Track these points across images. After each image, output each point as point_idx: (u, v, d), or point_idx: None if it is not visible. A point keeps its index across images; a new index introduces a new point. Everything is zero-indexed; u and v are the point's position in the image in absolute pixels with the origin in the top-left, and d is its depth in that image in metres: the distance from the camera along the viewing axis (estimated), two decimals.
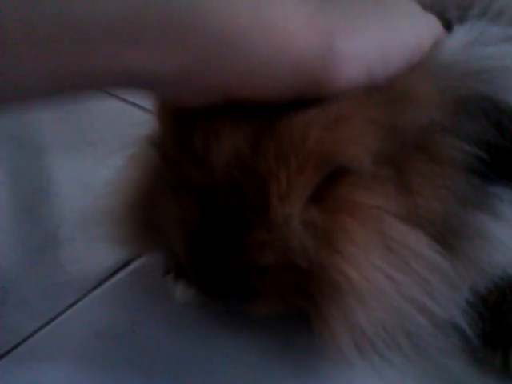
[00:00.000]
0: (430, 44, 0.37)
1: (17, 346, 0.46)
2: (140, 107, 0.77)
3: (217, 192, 0.35)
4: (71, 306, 0.49)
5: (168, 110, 0.38)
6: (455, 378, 0.41)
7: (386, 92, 0.34)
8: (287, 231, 0.34)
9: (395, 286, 0.34)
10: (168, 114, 0.38)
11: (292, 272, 0.35)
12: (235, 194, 0.34)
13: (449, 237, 0.36)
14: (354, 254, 0.34)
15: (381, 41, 0.34)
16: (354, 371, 0.40)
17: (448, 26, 0.39)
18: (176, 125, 0.37)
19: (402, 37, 0.35)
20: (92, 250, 0.49)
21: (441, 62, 0.36)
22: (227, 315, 0.46)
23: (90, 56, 0.30)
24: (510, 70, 0.35)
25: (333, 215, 0.34)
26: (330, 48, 0.32)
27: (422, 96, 0.35)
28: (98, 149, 0.69)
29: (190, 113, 0.35)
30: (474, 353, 0.41)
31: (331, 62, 0.32)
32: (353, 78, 0.33)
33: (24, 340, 0.46)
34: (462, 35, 0.37)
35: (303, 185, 0.34)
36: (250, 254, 0.35)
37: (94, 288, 0.51)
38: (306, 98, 0.33)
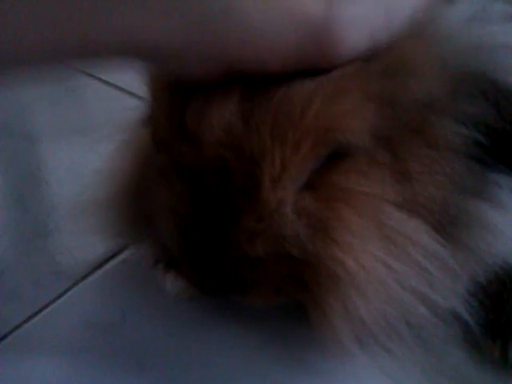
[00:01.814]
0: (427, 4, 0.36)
1: (6, 336, 0.45)
2: (131, 94, 0.76)
3: (207, 174, 0.34)
4: (61, 295, 0.49)
5: (161, 88, 0.37)
6: (456, 368, 0.40)
7: (385, 63, 0.34)
8: (279, 219, 0.33)
9: (394, 276, 0.33)
10: (161, 91, 0.37)
11: (286, 262, 0.34)
12: (225, 175, 0.33)
13: (447, 225, 0.35)
14: (351, 244, 0.33)
15: (382, 5, 0.34)
16: (352, 365, 0.40)
17: None
18: (168, 102, 0.36)
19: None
20: (82, 239, 0.48)
21: (441, 35, 0.35)
22: (220, 305, 0.46)
23: (92, 20, 0.30)
24: (509, 48, 0.35)
25: (328, 203, 0.34)
26: (332, 13, 0.31)
27: (421, 68, 0.34)
28: (89, 137, 0.68)
29: (183, 90, 0.35)
30: (476, 342, 0.41)
31: (334, 27, 0.32)
32: (356, 42, 0.33)
33: (13, 330, 0.46)
34: (464, 9, 0.36)
35: (298, 167, 0.33)
36: (240, 244, 0.34)
37: (84, 278, 0.51)
38: (310, 68, 0.33)
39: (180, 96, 0.35)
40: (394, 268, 0.33)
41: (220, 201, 0.34)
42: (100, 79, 0.83)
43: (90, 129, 0.70)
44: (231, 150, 0.33)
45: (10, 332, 0.46)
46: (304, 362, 0.42)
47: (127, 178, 0.43)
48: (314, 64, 0.33)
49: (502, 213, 0.36)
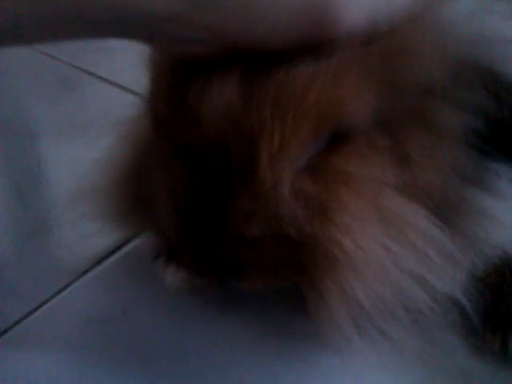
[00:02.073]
0: None
1: (6, 331, 0.45)
2: (131, 91, 0.76)
3: (206, 152, 0.33)
4: (61, 291, 0.49)
5: (161, 70, 0.37)
6: (453, 355, 0.40)
7: (385, 46, 0.34)
8: (276, 199, 0.33)
9: (393, 258, 0.33)
10: (161, 73, 0.37)
11: (283, 244, 0.34)
12: (224, 153, 0.33)
13: (447, 211, 0.35)
14: (349, 225, 0.33)
15: None
16: (349, 358, 0.40)
17: None
18: (168, 83, 0.36)
19: None
20: (82, 234, 0.48)
21: (443, 25, 0.35)
22: (221, 299, 0.46)
23: None
24: (510, 42, 0.35)
25: (327, 185, 0.33)
26: None
27: (422, 54, 0.34)
28: (89, 134, 0.68)
29: (183, 71, 0.35)
30: (475, 331, 0.40)
31: (334, 3, 0.31)
32: (356, 20, 0.32)
33: (13, 326, 0.46)
34: (466, 3, 0.36)
35: (297, 147, 0.33)
36: (237, 225, 0.34)
37: (85, 273, 0.50)
38: (309, 47, 0.32)
39: (180, 77, 0.35)
40: (392, 250, 0.33)
41: (217, 180, 0.34)
42: (100, 77, 0.83)
43: (90, 126, 0.70)
44: (231, 128, 0.33)
45: (10, 327, 0.46)
46: (305, 354, 0.42)
47: (127, 165, 0.43)
48: (315, 41, 0.32)
49: (500, 202, 0.36)
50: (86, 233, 0.47)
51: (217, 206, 0.34)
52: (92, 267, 0.51)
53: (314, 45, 0.32)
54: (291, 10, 0.31)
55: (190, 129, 0.34)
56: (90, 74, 0.84)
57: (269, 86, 0.32)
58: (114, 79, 0.81)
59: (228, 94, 0.33)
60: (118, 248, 0.52)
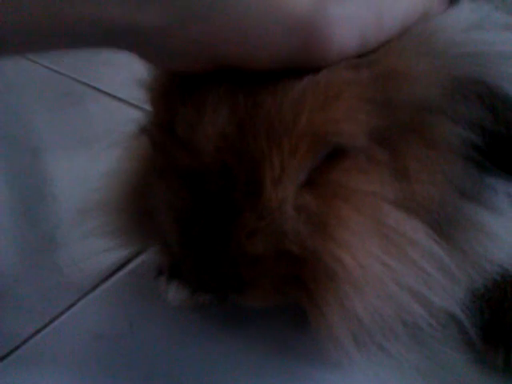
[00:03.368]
0: (423, 9, 0.36)
1: (15, 349, 0.46)
2: (134, 105, 0.76)
3: (206, 176, 0.34)
4: (69, 308, 0.49)
5: (156, 93, 0.38)
6: (452, 370, 0.40)
7: (377, 71, 0.34)
8: (280, 217, 0.34)
9: (391, 274, 0.34)
10: (155, 96, 0.38)
11: (285, 261, 0.35)
12: (226, 178, 0.34)
13: (445, 225, 0.35)
14: (348, 241, 0.33)
15: (374, 4, 0.33)
16: (350, 375, 0.40)
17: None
18: (161, 108, 0.37)
19: (394, 1, 0.35)
20: (89, 251, 0.48)
21: (439, 40, 0.35)
22: (225, 316, 0.46)
23: (74, 8, 0.29)
24: (506, 56, 0.35)
25: (327, 201, 0.34)
26: (323, 9, 0.31)
27: (417, 73, 0.34)
28: (94, 148, 0.69)
29: (175, 95, 0.35)
30: (472, 344, 0.40)
31: (324, 24, 0.32)
32: (345, 41, 0.33)
33: (22, 343, 0.46)
34: (463, 16, 0.36)
35: (297, 168, 0.33)
36: (240, 241, 0.34)
37: (92, 289, 0.51)
38: (297, 66, 0.33)
39: (170, 99, 0.36)
40: (391, 266, 0.34)
41: (220, 201, 0.34)
42: (103, 91, 0.84)
43: (93, 140, 0.70)
44: (230, 153, 0.33)
45: (19, 345, 0.46)
46: (307, 370, 0.42)
47: (131, 181, 0.44)
48: (303, 62, 0.33)
49: (498, 218, 0.36)
50: (92, 250, 0.47)
51: (219, 224, 0.34)
52: (99, 284, 0.51)
53: (303, 64, 0.33)
54: (281, 25, 0.31)
55: (186, 157, 0.35)
56: (94, 88, 0.85)
57: (260, 114, 0.33)
58: (117, 93, 0.82)
59: (221, 123, 0.33)
60: (124, 264, 0.52)
